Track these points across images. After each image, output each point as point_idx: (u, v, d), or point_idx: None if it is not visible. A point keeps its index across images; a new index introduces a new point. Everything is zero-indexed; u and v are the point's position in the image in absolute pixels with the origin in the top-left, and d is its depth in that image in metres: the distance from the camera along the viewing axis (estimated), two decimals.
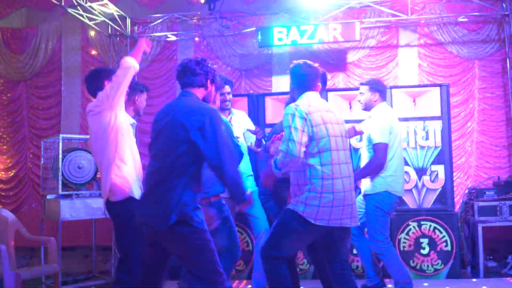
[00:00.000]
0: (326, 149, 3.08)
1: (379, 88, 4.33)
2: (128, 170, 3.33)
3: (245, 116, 4.77)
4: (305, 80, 3.29)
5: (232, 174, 2.80)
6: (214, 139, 2.73)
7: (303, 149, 3.04)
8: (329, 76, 6.80)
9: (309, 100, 3.19)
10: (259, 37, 6.41)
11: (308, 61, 3.39)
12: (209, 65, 3.02)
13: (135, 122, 4.11)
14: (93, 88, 3.52)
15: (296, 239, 3.16)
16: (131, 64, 3.37)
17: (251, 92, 6.85)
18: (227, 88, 4.39)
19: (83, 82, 7.33)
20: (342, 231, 3.19)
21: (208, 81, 3.00)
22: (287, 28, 6.33)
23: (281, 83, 6.91)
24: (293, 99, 3.38)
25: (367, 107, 4.36)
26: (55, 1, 5.82)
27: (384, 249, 4.07)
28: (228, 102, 4.43)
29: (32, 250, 6.74)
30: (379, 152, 4.05)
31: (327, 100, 5.21)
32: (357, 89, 6.02)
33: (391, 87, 5.61)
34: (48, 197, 5.46)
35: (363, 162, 4.30)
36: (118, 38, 7.18)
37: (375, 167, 4.09)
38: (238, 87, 7.05)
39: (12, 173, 7.81)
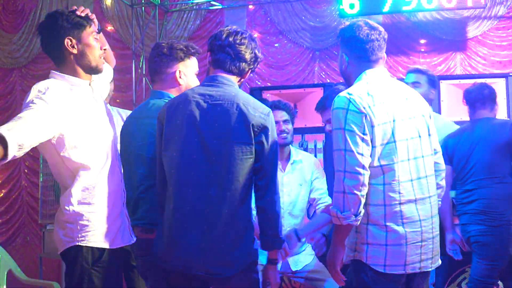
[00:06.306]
0: (391, 160, 2.81)
1: (436, 85, 4.38)
2: None
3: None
4: (367, 49, 2.95)
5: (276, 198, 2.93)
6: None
7: (368, 160, 2.77)
8: (441, 57, 6.72)
9: (370, 85, 2.88)
10: (341, 3, 6.43)
11: (369, 20, 3.06)
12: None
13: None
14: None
15: None
16: None
17: (328, 81, 6.84)
18: (280, 114, 4.14)
19: None
20: (421, 278, 3.01)
21: None
22: None
23: None
24: (346, 82, 3.10)
25: None
26: None
27: None
28: (286, 135, 4.16)
29: None
30: None
31: (439, 92, 5.18)
32: (482, 76, 5.93)
33: None
34: (49, 227, 5.66)
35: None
36: (143, 8, 7.34)
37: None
38: (310, 73, 7.07)
39: (3, 194, 8.05)
